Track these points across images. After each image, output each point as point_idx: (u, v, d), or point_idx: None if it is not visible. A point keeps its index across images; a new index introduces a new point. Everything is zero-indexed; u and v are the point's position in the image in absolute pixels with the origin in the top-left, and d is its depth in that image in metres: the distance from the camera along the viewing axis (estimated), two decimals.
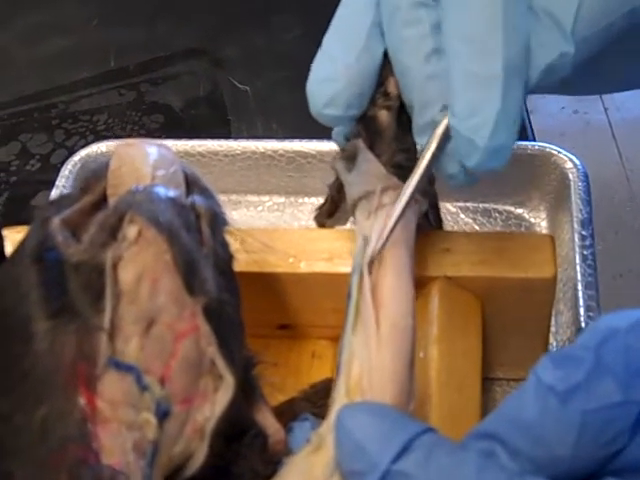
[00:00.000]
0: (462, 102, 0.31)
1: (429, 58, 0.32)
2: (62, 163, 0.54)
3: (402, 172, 0.35)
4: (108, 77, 0.66)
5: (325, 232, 0.42)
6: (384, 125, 0.35)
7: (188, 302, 0.30)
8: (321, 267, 0.40)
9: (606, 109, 1.72)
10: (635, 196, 1.59)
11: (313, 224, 0.53)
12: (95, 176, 0.33)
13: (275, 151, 0.54)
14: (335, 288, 0.40)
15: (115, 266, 0.29)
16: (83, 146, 0.55)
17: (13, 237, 0.34)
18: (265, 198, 0.55)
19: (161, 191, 0.31)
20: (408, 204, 0.33)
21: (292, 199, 0.55)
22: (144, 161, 0.32)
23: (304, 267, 0.40)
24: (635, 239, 1.54)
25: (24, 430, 0.28)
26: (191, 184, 0.33)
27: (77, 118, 0.63)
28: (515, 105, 0.31)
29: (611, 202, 1.58)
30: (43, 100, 0.65)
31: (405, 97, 0.34)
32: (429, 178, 0.36)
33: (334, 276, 0.40)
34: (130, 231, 0.30)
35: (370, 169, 0.35)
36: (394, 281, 0.33)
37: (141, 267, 0.29)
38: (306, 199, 0.55)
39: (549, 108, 1.74)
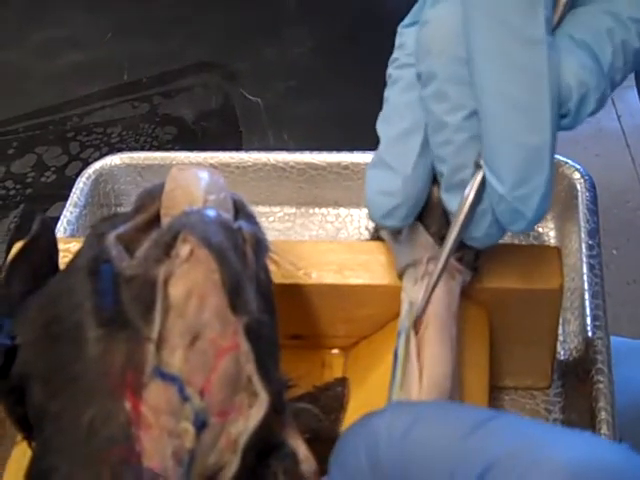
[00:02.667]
0: (511, 171, 0.31)
1: (468, 118, 0.32)
2: (77, 175, 0.55)
3: None
4: (121, 90, 0.68)
5: (334, 245, 0.42)
6: (434, 199, 0.36)
7: (231, 320, 0.32)
8: (331, 279, 0.41)
9: (619, 116, 1.72)
10: None
11: (323, 234, 0.55)
12: (150, 196, 0.35)
13: (286, 163, 0.55)
14: (345, 299, 0.41)
15: (167, 281, 0.31)
16: (97, 158, 0.56)
17: (65, 248, 0.35)
18: (276, 209, 0.56)
19: (213, 214, 0.33)
20: (445, 266, 0.35)
21: (303, 210, 0.56)
22: (197, 185, 0.34)
23: (315, 279, 0.41)
24: None
25: (72, 429, 0.30)
26: (239, 210, 0.36)
27: (91, 130, 0.64)
28: (554, 166, 0.31)
29: (624, 209, 1.58)
30: (58, 113, 0.66)
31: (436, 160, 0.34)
32: (476, 253, 0.38)
33: (344, 287, 0.41)
34: (183, 249, 0.31)
35: (418, 239, 0.37)
36: (437, 345, 0.36)
37: (191, 284, 0.31)
38: (317, 210, 0.56)
39: None
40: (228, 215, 0.34)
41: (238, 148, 0.57)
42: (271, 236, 0.56)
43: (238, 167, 0.55)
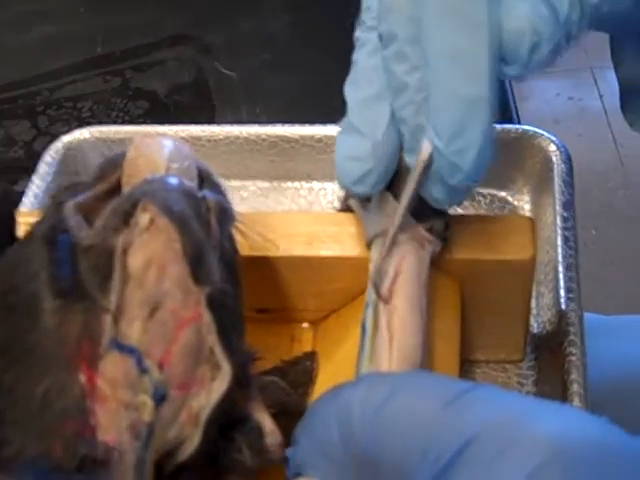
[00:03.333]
0: (447, 124, 0.31)
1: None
2: (46, 150, 0.54)
3: (417, 212, 0.36)
4: (93, 64, 0.66)
5: (304, 216, 0.42)
6: (404, 167, 0.35)
7: (193, 290, 0.31)
8: (300, 251, 0.40)
9: (601, 95, 1.72)
10: (629, 183, 1.59)
11: (296, 208, 0.54)
12: (111, 165, 0.34)
13: (258, 136, 0.54)
14: (314, 272, 0.40)
15: (125, 251, 0.30)
16: (67, 133, 0.55)
17: (26, 221, 0.34)
18: (248, 183, 0.55)
19: (175, 182, 0.32)
20: (400, 225, 0.35)
21: (275, 184, 0.55)
22: (160, 153, 0.34)
23: (283, 251, 0.40)
24: (628, 226, 1.54)
25: (25, 401, 0.29)
26: (204, 179, 0.35)
27: (61, 105, 0.63)
28: (493, 121, 0.31)
29: (605, 189, 1.58)
30: (27, 87, 0.65)
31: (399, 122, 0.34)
32: (446, 223, 0.38)
33: (313, 259, 0.40)
34: (143, 218, 0.31)
35: (387, 208, 0.37)
36: (407, 315, 0.35)
37: (150, 253, 0.31)
38: (289, 183, 0.55)
39: (544, 94, 1.74)
40: (191, 183, 0.33)
41: (211, 122, 0.56)
42: (243, 210, 0.56)
43: (209, 140, 0.54)
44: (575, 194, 0.48)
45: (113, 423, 0.29)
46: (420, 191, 0.34)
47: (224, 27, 0.68)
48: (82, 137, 0.55)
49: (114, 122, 0.62)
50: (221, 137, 0.54)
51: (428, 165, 0.33)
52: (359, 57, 0.35)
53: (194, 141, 0.54)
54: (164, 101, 0.63)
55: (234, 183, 0.55)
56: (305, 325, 0.43)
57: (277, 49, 0.66)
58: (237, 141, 0.54)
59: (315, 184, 0.54)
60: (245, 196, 0.55)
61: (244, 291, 0.41)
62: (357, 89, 0.35)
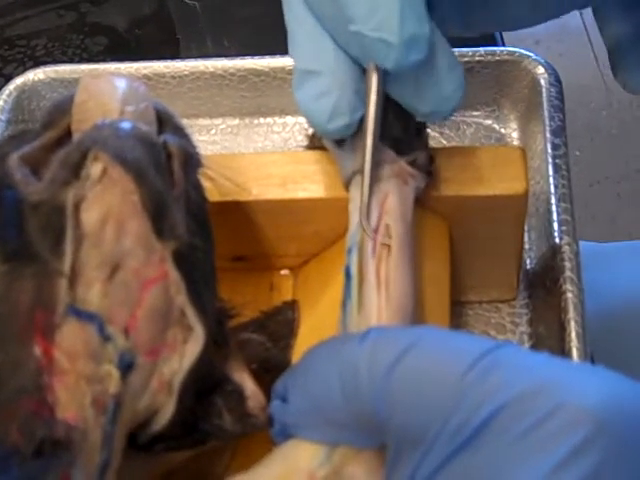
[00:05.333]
0: (359, 4, 0.29)
1: None
2: None
3: (398, 145, 0.34)
4: None
5: (276, 156, 0.38)
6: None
7: (156, 247, 0.28)
8: (273, 193, 0.37)
9: (581, 12, 1.67)
10: (612, 102, 1.56)
11: (270, 145, 0.51)
12: (59, 110, 0.31)
13: (226, 70, 0.50)
14: (290, 215, 0.38)
15: (77, 207, 0.28)
16: (21, 74, 0.52)
17: None
18: (218, 121, 0.52)
19: (129, 127, 0.29)
20: (374, 147, 0.32)
21: (247, 120, 0.52)
22: (112, 95, 0.30)
23: (255, 194, 0.37)
24: (612, 145, 1.52)
25: None
26: (163, 122, 0.32)
27: (14, 43, 0.59)
28: None
29: (587, 108, 1.56)
30: None
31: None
32: (430, 156, 0.35)
33: (288, 202, 0.37)
34: (94, 169, 0.28)
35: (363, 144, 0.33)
36: (396, 261, 0.32)
37: (106, 208, 0.28)
38: (261, 120, 0.51)
39: None
40: (149, 128, 0.30)
41: (175, 57, 0.52)
42: (214, 150, 0.53)
43: (174, 77, 0.51)
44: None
45: (74, 399, 0.26)
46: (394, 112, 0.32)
47: None
48: (37, 78, 0.51)
49: (71, 60, 0.58)
50: (186, 73, 0.51)
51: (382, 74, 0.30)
52: (289, 19, 0.33)
53: (158, 78, 0.51)
54: (124, 36, 0.59)
55: (202, 122, 0.52)
56: (284, 272, 0.41)
57: None
58: (203, 77, 0.51)
59: (289, 119, 0.51)
60: (214, 134, 0.52)
61: (217, 239, 0.38)
62: (294, 42, 0.33)
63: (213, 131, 0.52)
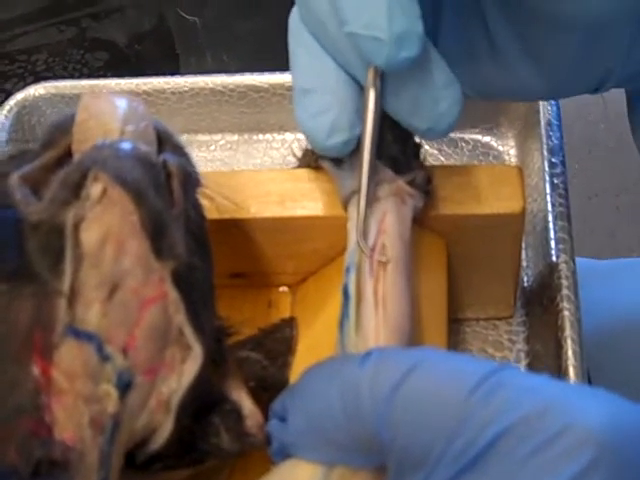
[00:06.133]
0: (348, 2, 0.29)
1: None
2: None
3: (397, 164, 0.34)
4: (46, 13, 0.62)
5: (275, 173, 0.39)
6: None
7: (155, 266, 0.28)
8: (272, 211, 0.37)
9: None
10: (609, 114, 1.56)
11: (269, 162, 0.51)
12: (60, 130, 0.31)
13: (225, 86, 0.51)
14: (288, 233, 0.38)
15: (77, 227, 0.28)
16: (22, 89, 0.52)
17: None
18: (217, 137, 0.52)
19: (129, 147, 0.29)
20: (371, 167, 0.32)
21: (246, 136, 0.52)
22: (113, 115, 0.30)
23: (254, 212, 0.37)
24: (609, 158, 1.52)
25: None
26: (163, 141, 0.32)
27: (14, 58, 0.59)
28: None
29: (585, 121, 1.56)
30: None
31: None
32: (428, 176, 0.35)
33: (286, 220, 0.37)
34: (94, 189, 0.28)
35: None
36: (395, 281, 0.32)
37: (105, 228, 0.28)
38: (260, 136, 0.52)
39: None
40: (148, 147, 0.30)
41: (175, 72, 0.53)
42: (213, 166, 0.53)
43: (174, 93, 0.51)
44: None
45: (72, 419, 0.26)
46: (391, 129, 0.33)
47: None
48: (37, 94, 0.52)
49: (71, 75, 0.58)
50: (186, 89, 0.51)
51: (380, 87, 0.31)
52: (291, 41, 0.34)
53: (157, 94, 0.51)
54: (124, 51, 0.60)
55: (202, 137, 0.52)
56: (283, 289, 0.41)
57: None
58: (203, 92, 0.51)
59: (288, 135, 0.51)
60: (213, 150, 0.52)
61: (215, 257, 0.38)
62: (295, 62, 0.33)
63: (212, 147, 0.52)
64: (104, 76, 0.57)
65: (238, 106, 0.51)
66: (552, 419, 0.24)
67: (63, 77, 0.57)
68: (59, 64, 0.59)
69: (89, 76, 0.59)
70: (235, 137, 0.52)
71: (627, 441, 0.23)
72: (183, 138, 0.51)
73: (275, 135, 0.52)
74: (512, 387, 0.25)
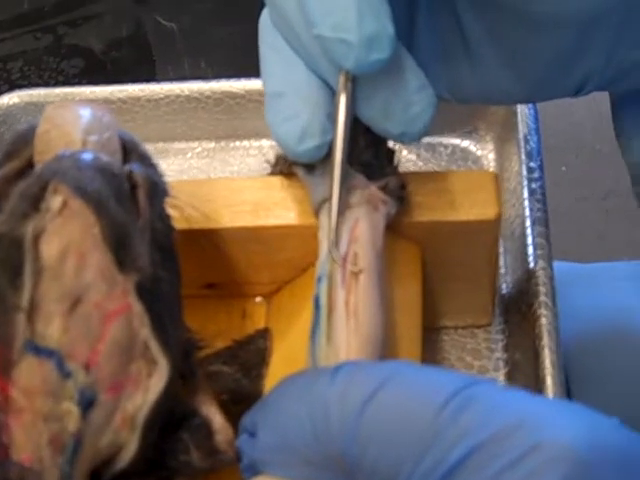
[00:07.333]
0: (316, 5, 0.28)
1: None
2: None
3: (369, 170, 0.34)
4: (21, 20, 0.62)
5: (247, 182, 0.38)
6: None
7: (119, 279, 0.28)
8: (245, 221, 0.37)
9: None
10: (596, 116, 1.56)
11: (245, 169, 0.50)
12: (22, 140, 0.31)
13: (201, 93, 0.50)
14: (262, 242, 0.37)
15: (37, 239, 0.27)
16: None
17: None
18: (194, 144, 0.51)
19: (90, 157, 0.29)
20: (342, 174, 0.32)
21: (222, 144, 0.51)
22: (75, 125, 0.30)
23: (226, 221, 0.37)
24: (597, 161, 1.52)
25: None
26: (129, 151, 0.31)
27: None
28: None
29: (572, 124, 1.56)
30: None
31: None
32: (401, 182, 0.35)
33: (259, 229, 0.36)
34: (54, 201, 0.27)
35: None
36: (366, 290, 0.32)
37: (66, 241, 0.27)
38: (237, 143, 0.51)
39: None
40: (111, 158, 0.30)
41: (152, 79, 0.52)
42: (190, 174, 0.52)
43: (149, 100, 0.50)
44: (542, 139, 0.45)
45: (30, 438, 0.26)
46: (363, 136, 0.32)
47: None
48: (11, 102, 0.51)
49: (47, 84, 0.57)
50: (161, 96, 0.50)
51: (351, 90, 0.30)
52: (262, 45, 0.33)
53: (133, 101, 0.51)
54: (101, 58, 0.59)
55: (178, 145, 0.52)
56: (258, 299, 0.40)
57: None
58: (179, 100, 0.50)
59: (264, 142, 0.51)
60: (190, 158, 0.51)
61: (188, 267, 0.38)
62: (266, 66, 0.33)
63: (189, 154, 0.51)
64: (80, 83, 0.57)
65: (214, 113, 0.50)
66: (524, 435, 0.23)
67: (38, 85, 0.56)
68: (34, 72, 0.59)
69: (65, 84, 0.59)
70: (212, 144, 0.51)
71: (601, 457, 0.23)
72: (159, 146, 0.52)
73: (252, 142, 0.51)
74: (484, 402, 0.24)
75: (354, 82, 0.31)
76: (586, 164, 1.51)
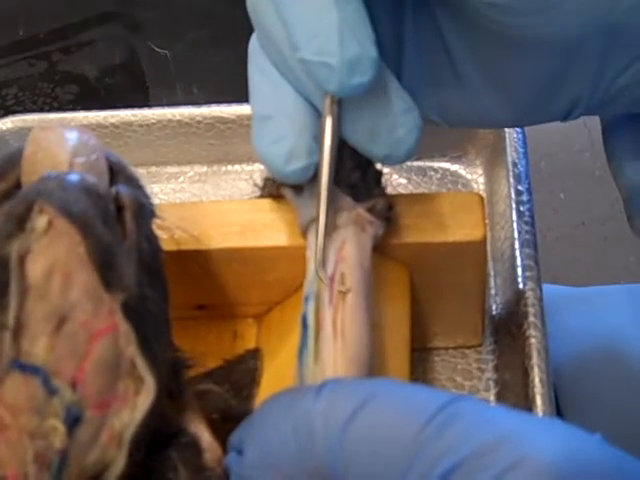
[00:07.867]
0: (299, 29, 0.29)
1: None
2: None
3: (356, 192, 0.34)
4: (17, 47, 0.62)
5: (236, 204, 0.38)
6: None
7: (105, 298, 0.28)
8: (234, 242, 0.37)
9: None
10: (594, 143, 1.57)
11: (237, 193, 0.51)
12: (9, 162, 0.31)
13: (193, 118, 0.50)
14: (251, 263, 0.37)
15: (22, 259, 0.27)
16: None
17: None
18: (186, 169, 0.52)
19: (75, 178, 0.29)
20: (328, 195, 0.32)
21: (215, 168, 0.52)
22: (62, 147, 0.30)
23: (215, 243, 0.37)
24: (596, 186, 1.52)
25: None
26: (116, 173, 0.31)
27: None
28: (353, 11, 0.29)
29: (570, 151, 1.56)
30: None
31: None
32: (388, 203, 0.35)
33: (248, 250, 0.37)
34: (39, 221, 0.28)
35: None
36: (353, 310, 0.32)
37: (51, 260, 0.28)
38: (229, 167, 0.52)
39: None
40: (98, 179, 0.30)
41: (145, 105, 0.53)
42: (182, 198, 0.52)
43: (142, 125, 0.51)
44: (530, 163, 0.46)
45: (15, 455, 0.26)
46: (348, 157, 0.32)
47: (155, 2, 0.64)
48: (5, 127, 0.52)
49: (41, 109, 0.58)
50: (154, 121, 0.51)
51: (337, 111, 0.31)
52: (250, 68, 0.34)
53: (125, 127, 0.51)
54: (94, 85, 0.60)
55: (170, 169, 0.52)
56: (248, 320, 0.40)
57: (213, 25, 0.62)
58: (171, 125, 0.51)
59: (256, 166, 0.51)
60: (182, 182, 0.51)
61: (178, 288, 0.38)
62: (254, 89, 0.33)
63: (181, 179, 0.52)
64: (74, 109, 0.57)
65: (206, 138, 0.51)
66: (506, 451, 0.23)
67: (33, 111, 0.57)
68: (29, 98, 0.59)
69: (59, 109, 0.59)
70: (204, 169, 0.52)
71: (582, 472, 0.23)
72: (152, 170, 0.52)
73: (244, 166, 0.51)
74: (467, 419, 0.24)
75: (340, 105, 0.31)
76: (584, 191, 1.52)
